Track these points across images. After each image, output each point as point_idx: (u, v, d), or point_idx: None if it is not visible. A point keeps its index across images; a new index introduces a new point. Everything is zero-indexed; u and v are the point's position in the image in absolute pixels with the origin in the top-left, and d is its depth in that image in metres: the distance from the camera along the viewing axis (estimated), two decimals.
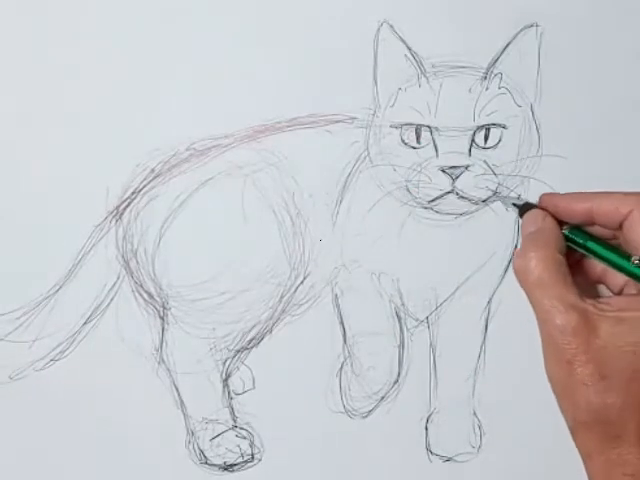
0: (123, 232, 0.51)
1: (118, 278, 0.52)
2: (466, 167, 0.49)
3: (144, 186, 0.51)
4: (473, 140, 0.49)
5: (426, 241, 0.51)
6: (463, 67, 0.49)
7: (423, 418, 0.53)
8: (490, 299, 0.52)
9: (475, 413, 0.53)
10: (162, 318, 0.52)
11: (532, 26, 0.49)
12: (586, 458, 0.43)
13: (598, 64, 0.49)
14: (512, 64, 0.49)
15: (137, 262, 0.51)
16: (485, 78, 0.49)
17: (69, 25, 0.49)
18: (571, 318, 0.41)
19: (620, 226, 0.43)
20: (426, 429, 0.53)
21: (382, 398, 0.53)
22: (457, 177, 0.49)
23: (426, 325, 0.53)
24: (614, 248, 0.43)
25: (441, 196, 0.49)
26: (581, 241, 0.44)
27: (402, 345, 0.53)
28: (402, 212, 0.51)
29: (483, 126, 0.49)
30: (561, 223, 0.45)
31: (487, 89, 0.49)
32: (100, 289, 0.52)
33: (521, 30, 0.49)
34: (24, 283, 0.52)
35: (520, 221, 0.47)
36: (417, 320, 0.53)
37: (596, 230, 0.45)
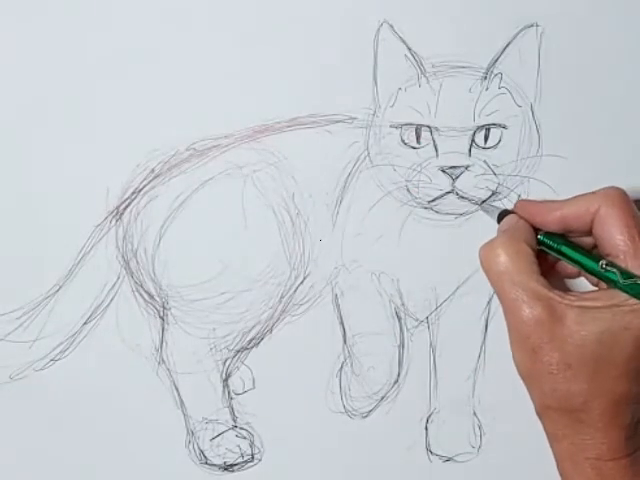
0: (123, 232, 0.51)
1: (118, 278, 0.52)
2: (466, 167, 0.49)
3: (144, 186, 0.51)
4: (473, 140, 0.49)
5: (426, 241, 0.51)
6: (463, 67, 0.49)
7: (423, 418, 0.53)
8: (490, 299, 0.52)
9: (475, 413, 0.53)
10: (162, 318, 0.52)
11: (532, 26, 0.48)
12: (552, 441, 0.44)
13: (598, 64, 0.49)
14: (512, 64, 0.49)
15: (137, 262, 0.51)
16: (485, 78, 0.49)
17: (69, 26, 0.49)
18: (535, 307, 0.41)
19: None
20: (426, 429, 0.53)
21: (382, 398, 0.53)
22: (457, 177, 0.49)
23: (426, 325, 0.53)
24: (586, 252, 0.44)
25: (441, 196, 0.49)
26: (555, 245, 0.44)
27: (402, 345, 0.53)
28: (402, 212, 0.51)
29: (483, 126, 0.49)
30: (537, 230, 0.45)
31: (487, 89, 0.49)
32: (100, 289, 0.52)
33: (521, 30, 0.49)
34: (24, 283, 0.52)
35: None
36: (417, 320, 0.53)
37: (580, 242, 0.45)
